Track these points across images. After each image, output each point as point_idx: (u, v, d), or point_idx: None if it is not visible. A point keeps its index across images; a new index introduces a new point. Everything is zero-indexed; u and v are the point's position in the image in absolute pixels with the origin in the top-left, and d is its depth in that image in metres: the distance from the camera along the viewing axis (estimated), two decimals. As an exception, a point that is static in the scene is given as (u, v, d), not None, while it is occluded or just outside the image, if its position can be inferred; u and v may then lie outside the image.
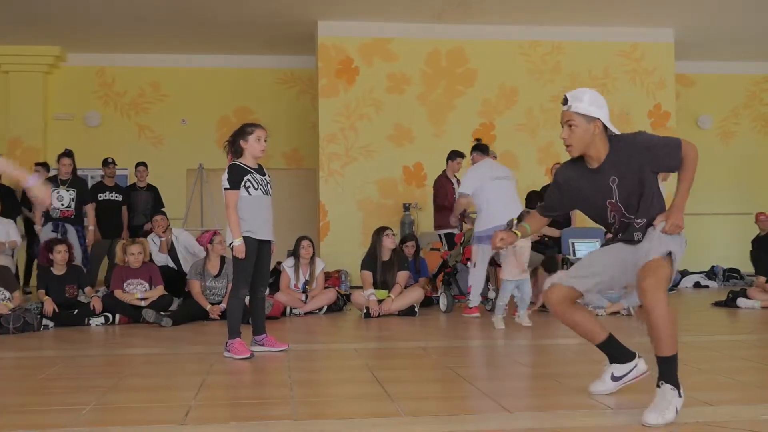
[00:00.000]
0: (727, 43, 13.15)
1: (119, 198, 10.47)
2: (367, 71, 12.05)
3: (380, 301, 7.80)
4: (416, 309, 7.86)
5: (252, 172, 5.25)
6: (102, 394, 3.93)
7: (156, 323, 6.98)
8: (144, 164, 10.90)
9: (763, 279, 8.51)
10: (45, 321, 7.03)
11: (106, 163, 10.52)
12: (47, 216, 8.97)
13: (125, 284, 7.58)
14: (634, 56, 12.60)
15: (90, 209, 9.21)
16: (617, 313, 7.59)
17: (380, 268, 8.03)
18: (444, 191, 9.35)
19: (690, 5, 11.36)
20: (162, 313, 7.14)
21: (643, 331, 6.50)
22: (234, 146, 5.29)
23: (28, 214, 10.26)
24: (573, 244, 9.05)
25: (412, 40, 12.12)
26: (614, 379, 3.75)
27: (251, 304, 5.51)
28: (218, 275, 7.70)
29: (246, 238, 5.17)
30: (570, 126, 3.48)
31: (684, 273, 11.90)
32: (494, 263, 7.82)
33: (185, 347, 5.83)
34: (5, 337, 6.48)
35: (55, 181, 9.09)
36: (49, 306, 7.14)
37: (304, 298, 8.12)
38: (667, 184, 11.32)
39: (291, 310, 7.97)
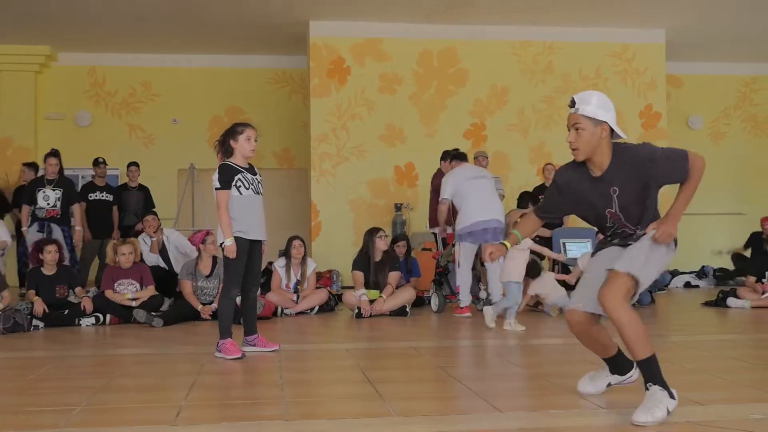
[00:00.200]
0: (717, 44, 13.20)
1: (110, 198, 10.44)
2: (358, 71, 12.05)
3: (372, 302, 7.80)
4: (408, 309, 7.87)
5: (243, 172, 5.24)
6: (92, 395, 3.92)
7: (147, 323, 6.96)
8: (136, 164, 10.87)
9: (753, 279, 8.55)
10: (35, 321, 7.00)
11: (96, 163, 10.49)
12: (33, 216, 8.95)
13: (116, 284, 7.56)
14: (625, 57, 12.63)
15: (77, 209, 9.18)
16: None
17: (372, 268, 8.03)
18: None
19: (681, 6, 11.39)
20: (153, 313, 7.12)
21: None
22: (224, 146, 5.28)
23: (18, 214, 10.23)
24: (564, 244, 9.08)
25: (403, 40, 12.12)
26: (608, 386, 3.77)
27: (243, 305, 5.51)
28: (210, 275, 7.68)
29: (237, 238, 5.16)
30: (577, 129, 3.42)
31: (674, 273, 11.94)
32: (482, 263, 7.84)
33: (176, 347, 5.82)
34: (-5, 337, 6.46)
35: (41, 181, 9.06)
36: (40, 306, 7.10)
37: (295, 298, 8.11)
38: (662, 189, 11.39)
39: (282, 310, 7.97)
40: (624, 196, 3.43)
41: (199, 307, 7.48)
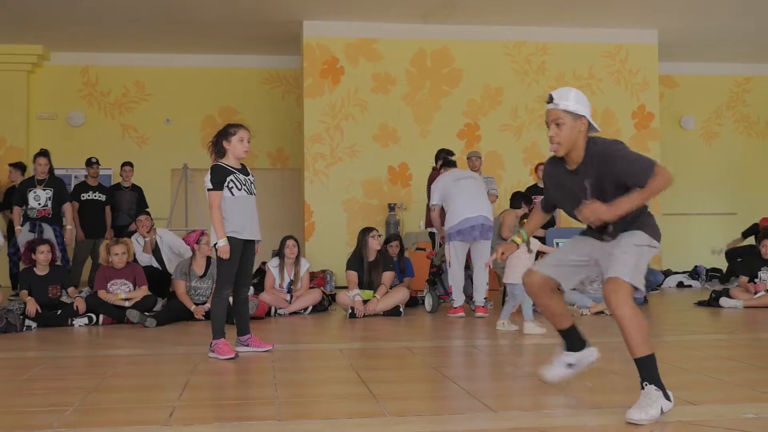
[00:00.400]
0: (710, 45, 13.24)
1: (103, 198, 10.42)
2: (352, 71, 12.05)
3: (365, 302, 7.80)
4: (401, 309, 7.87)
5: (235, 173, 5.23)
6: (85, 395, 3.91)
7: (140, 324, 6.95)
8: (130, 164, 10.85)
9: (745, 279, 8.57)
10: (28, 322, 6.97)
11: (89, 162, 10.46)
12: (25, 216, 8.93)
13: (109, 284, 7.54)
14: (618, 57, 12.66)
15: (68, 208, 9.15)
16: (601, 312, 7.61)
17: (366, 268, 8.03)
18: None
19: (673, 7, 11.42)
20: (146, 313, 7.11)
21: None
22: (217, 147, 5.27)
23: (9, 215, 10.20)
24: (558, 243, 9.10)
25: (397, 41, 12.13)
26: (568, 366, 3.91)
27: (235, 305, 5.49)
28: (204, 276, 7.67)
29: (230, 239, 5.15)
30: (558, 124, 3.51)
31: (667, 273, 11.97)
32: (467, 266, 7.87)
33: (169, 348, 5.81)
34: (-13, 337, 6.44)
35: (32, 182, 9.03)
36: (32, 306, 7.08)
37: (289, 298, 8.10)
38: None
39: (276, 310, 7.96)
40: (597, 189, 3.50)
41: (192, 308, 7.46)
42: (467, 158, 10.04)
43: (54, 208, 8.96)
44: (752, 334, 6.57)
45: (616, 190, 3.45)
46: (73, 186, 10.91)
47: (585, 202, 3.48)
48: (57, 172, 9.46)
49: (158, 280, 8.31)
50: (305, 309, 8.15)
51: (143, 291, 7.61)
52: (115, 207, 10.56)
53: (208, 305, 7.32)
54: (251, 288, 7.67)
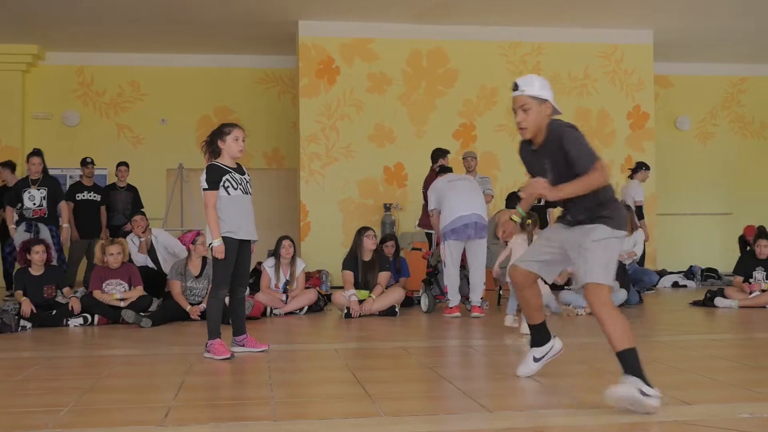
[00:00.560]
0: (705, 45, 13.26)
1: (98, 198, 10.40)
2: (348, 71, 12.04)
3: (361, 302, 7.80)
4: (397, 309, 7.87)
5: (231, 172, 5.23)
6: (80, 395, 3.90)
7: (135, 324, 6.93)
8: (125, 164, 10.84)
9: (740, 279, 8.59)
10: (23, 322, 6.95)
11: (84, 162, 10.44)
12: (20, 216, 8.91)
13: (104, 285, 7.53)
14: (613, 57, 12.67)
15: (64, 207, 9.13)
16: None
17: (361, 268, 8.03)
18: None
19: (669, 7, 11.44)
20: (141, 313, 7.10)
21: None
22: (212, 146, 5.27)
23: (2, 214, 10.16)
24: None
25: (393, 41, 12.12)
26: (535, 360, 4.17)
27: (231, 305, 5.49)
28: (199, 276, 7.66)
29: (226, 239, 5.15)
30: (525, 110, 3.75)
31: (662, 273, 11.98)
32: (463, 266, 7.89)
33: (165, 348, 5.80)
34: (-18, 338, 6.42)
35: (26, 182, 9.02)
36: (27, 307, 7.07)
37: (284, 298, 8.10)
38: (645, 185, 11.44)
39: (271, 310, 7.95)
40: (554, 167, 3.72)
41: (188, 308, 7.45)
42: (463, 158, 10.05)
43: (49, 208, 8.94)
44: (747, 333, 6.58)
45: (568, 169, 3.65)
46: (68, 186, 10.88)
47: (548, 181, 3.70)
48: (52, 172, 9.43)
49: (153, 280, 8.30)
50: (301, 309, 8.15)
51: (138, 291, 7.61)
52: (110, 207, 10.55)
53: (203, 305, 7.32)
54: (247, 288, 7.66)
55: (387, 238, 9.09)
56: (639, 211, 10.70)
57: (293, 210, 12.71)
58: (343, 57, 12.05)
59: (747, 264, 8.66)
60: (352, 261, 8.08)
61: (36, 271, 7.49)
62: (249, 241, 5.33)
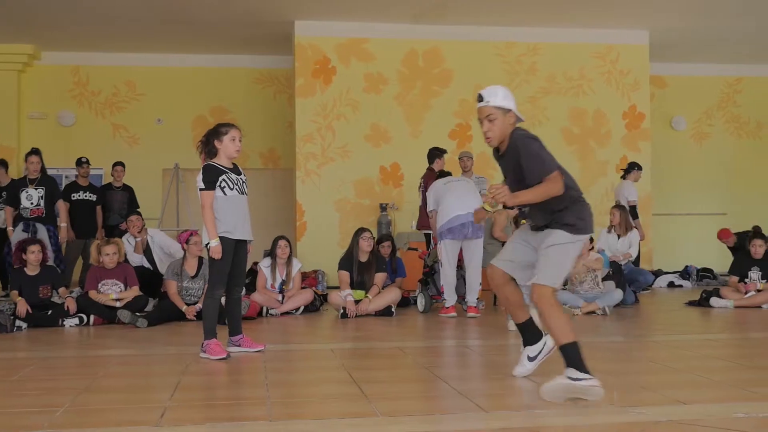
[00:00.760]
0: (701, 45, 13.29)
1: (93, 198, 10.38)
2: (344, 71, 12.04)
3: (357, 302, 7.80)
4: (393, 309, 7.87)
5: (227, 172, 5.23)
6: (76, 396, 3.90)
7: (131, 324, 6.93)
8: (121, 164, 10.82)
9: (735, 278, 8.60)
10: (18, 322, 6.94)
11: (80, 162, 10.42)
12: (18, 216, 8.89)
13: (100, 285, 7.52)
14: (609, 58, 12.69)
15: (62, 207, 9.11)
16: (592, 312, 7.64)
17: (357, 268, 8.03)
18: None
19: (665, 8, 11.46)
20: (137, 313, 7.09)
21: (616, 330, 6.57)
22: (208, 146, 5.26)
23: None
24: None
25: (388, 41, 12.13)
26: (530, 359, 4.22)
27: (227, 305, 5.49)
28: (195, 276, 7.65)
29: (222, 239, 5.15)
30: (490, 120, 3.94)
31: (658, 273, 12.00)
32: (460, 266, 7.89)
33: (161, 348, 5.80)
34: (-23, 338, 6.41)
35: (24, 181, 9.00)
36: (23, 307, 7.06)
37: (280, 298, 8.09)
38: (640, 185, 11.47)
39: (267, 310, 7.95)
40: (514, 174, 3.92)
41: (184, 308, 7.45)
42: (459, 158, 10.05)
43: (47, 207, 8.92)
44: (743, 333, 6.59)
45: (522, 177, 3.86)
46: (63, 186, 10.85)
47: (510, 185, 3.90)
48: (47, 172, 9.40)
49: (149, 280, 8.29)
50: (297, 309, 8.15)
51: (134, 291, 7.60)
52: (106, 207, 10.53)
53: (199, 305, 7.31)
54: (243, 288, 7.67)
55: (383, 239, 9.09)
56: (633, 210, 10.73)
57: (289, 210, 12.71)
58: (339, 57, 12.05)
59: (742, 264, 8.67)
60: (348, 261, 8.07)
61: (31, 271, 7.47)
62: (245, 241, 5.33)
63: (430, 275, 8.40)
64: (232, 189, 5.21)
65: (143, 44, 12.80)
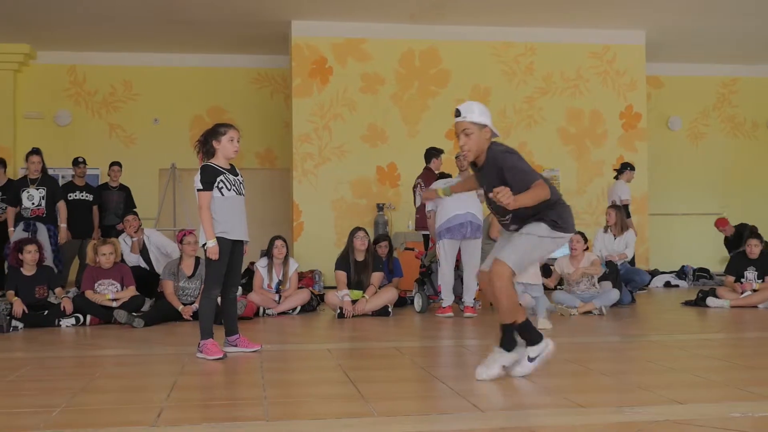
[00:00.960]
0: (697, 46, 13.31)
1: (90, 198, 10.37)
2: (340, 71, 12.04)
3: (354, 302, 7.79)
4: (390, 309, 7.87)
5: (225, 173, 5.22)
6: (72, 396, 3.89)
7: (128, 324, 6.92)
8: (118, 164, 10.81)
9: (731, 278, 8.61)
10: (14, 322, 6.93)
11: (76, 162, 10.41)
12: (19, 216, 8.87)
13: (96, 285, 7.51)
14: (605, 58, 12.70)
15: (62, 207, 9.10)
16: (589, 312, 7.64)
17: (354, 268, 8.03)
18: None
19: (661, 8, 11.47)
20: (134, 313, 7.08)
21: (612, 330, 6.57)
22: (206, 146, 5.25)
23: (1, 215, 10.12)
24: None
25: (385, 41, 12.13)
26: (530, 359, 4.21)
27: (223, 305, 5.48)
28: (192, 276, 7.65)
29: (219, 239, 5.14)
30: (466, 134, 4.11)
31: (654, 273, 12.02)
32: (457, 267, 7.89)
33: (157, 348, 5.79)
34: (-27, 338, 6.39)
35: (25, 181, 8.98)
36: (19, 307, 7.04)
37: (277, 298, 8.09)
38: (631, 186, 11.48)
39: (264, 310, 7.95)
40: (491, 190, 3.98)
41: (180, 308, 7.44)
42: (456, 158, 10.02)
43: (48, 207, 8.91)
44: (739, 333, 6.60)
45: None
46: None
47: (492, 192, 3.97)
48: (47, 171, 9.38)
49: (146, 280, 8.29)
50: (294, 309, 8.14)
51: (131, 291, 7.58)
52: (102, 207, 10.51)
53: (196, 305, 7.31)
54: (239, 288, 7.66)
55: (380, 239, 9.09)
56: (626, 210, 10.76)
57: (286, 210, 12.71)
58: (336, 57, 12.05)
59: (738, 264, 8.69)
60: (344, 261, 8.08)
61: (28, 271, 7.46)
62: (242, 241, 5.33)
63: (426, 275, 8.40)
64: (230, 190, 5.20)
65: (140, 44, 12.79)
